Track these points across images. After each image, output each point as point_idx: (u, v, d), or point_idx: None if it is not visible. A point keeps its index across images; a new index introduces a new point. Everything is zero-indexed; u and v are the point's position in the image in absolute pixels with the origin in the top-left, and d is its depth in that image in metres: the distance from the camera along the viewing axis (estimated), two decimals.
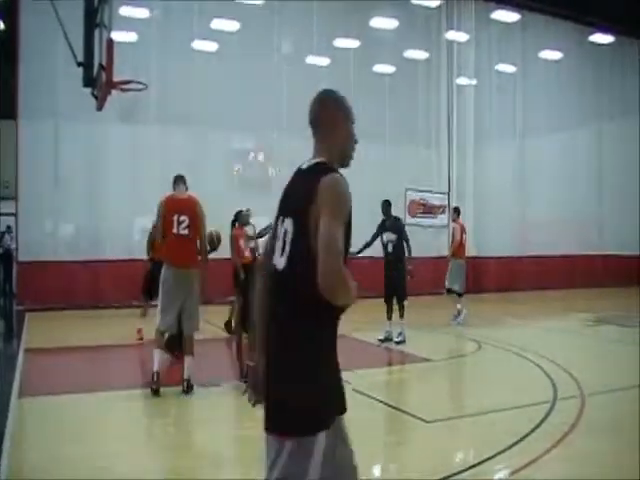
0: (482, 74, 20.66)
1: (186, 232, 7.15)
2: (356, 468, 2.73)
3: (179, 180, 7.50)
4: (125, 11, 14.91)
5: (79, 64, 9.29)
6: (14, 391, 7.09)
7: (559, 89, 21.62)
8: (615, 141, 22.57)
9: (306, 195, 2.50)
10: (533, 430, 5.66)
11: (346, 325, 10.12)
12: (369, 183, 18.12)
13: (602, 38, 22.15)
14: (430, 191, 19.62)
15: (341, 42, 18.82)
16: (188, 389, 7.08)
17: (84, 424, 6.06)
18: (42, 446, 5.36)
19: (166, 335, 7.37)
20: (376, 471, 5.28)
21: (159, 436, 5.99)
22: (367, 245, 10.72)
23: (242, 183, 17.54)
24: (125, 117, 15.51)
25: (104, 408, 6.64)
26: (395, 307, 10.63)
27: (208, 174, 16.59)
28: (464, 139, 20.16)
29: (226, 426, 6.38)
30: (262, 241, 9.57)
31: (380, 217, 10.94)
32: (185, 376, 7.12)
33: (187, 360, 7.21)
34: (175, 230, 7.13)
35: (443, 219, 19.47)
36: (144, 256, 10.34)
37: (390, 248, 10.65)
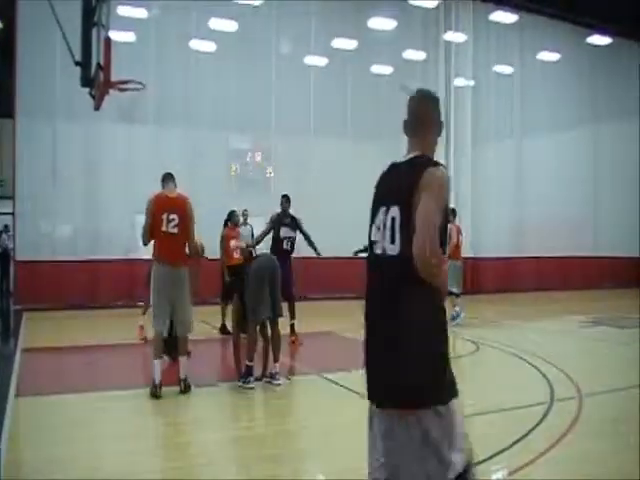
0: (480, 75, 20.67)
1: (175, 230, 7.11)
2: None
3: (168, 178, 7.47)
4: (123, 11, 14.89)
5: (77, 63, 9.29)
6: (11, 391, 7.09)
7: (556, 90, 21.63)
8: (612, 142, 22.59)
9: (412, 184, 2.68)
10: (531, 431, 5.66)
11: (344, 325, 10.16)
12: (366, 183, 18.16)
13: (599, 39, 22.15)
14: None
15: (339, 42, 18.82)
16: (185, 389, 7.08)
17: (81, 424, 6.05)
18: (39, 446, 5.35)
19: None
20: None
21: (156, 436, 5.98)
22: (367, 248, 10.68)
23: (239, 183, 17.54)
24: (123, 117, 15.50)
25: (102, 408, 6.63)
26: None
27: (206, 174, 16.61)
28: (462, 140, 20.14)
29: (223, 426, 6.38)
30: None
31: None
32: (182, 376, 7.12)
33: (182, 360, 7.22)
34: (164, 228, 7.09)
35: None
36: (143, 255, 10.31)
37: None
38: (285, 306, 8.78)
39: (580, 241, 21.57)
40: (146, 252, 10.17)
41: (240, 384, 7.36)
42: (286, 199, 8.60)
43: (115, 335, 11.15)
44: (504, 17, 20.42)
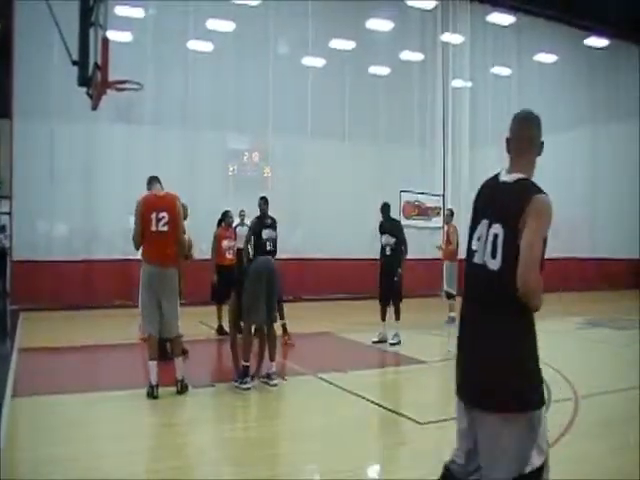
0: (477, 76, 20.70)
1: (166, 228, 7.07)
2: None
3: (153, 180, 7.46)
4: (120, 11, 14.86)
5: (74, 63, 9.28)
6: (8, 391, 7.07)
7: (554, 92, 21.64)
8: (610, 143, 22.61)
9: (519, 209, 2.87)
10: None
11: (341, 326, 10.16)
12: (364, 184, 18.17)
13: (597, 41, 22.18)
14: (425, 193, 19.66)
15: (336, 43, 18.84)
16: (182, 389, 7.08)
17: (78, 424, 6.05)
18: (36, 446, 5.35)
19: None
20: (368, 472, 5.29)
21: (153, 437, 5.98)
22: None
23: (237, 183, 17.54)
24: (120, 117, 15.49)
25: (98, 408, 6.63)
26: (390, 309, 10.63)
27: (203, 174, 16.63)
28: (459, 141, 20.19)
29: (220, 427, 6.38)
30: None
31: (374, 218, 10.95)
32: (178, 377, 7.12)
33: (177, 361, 7.20)
34: (154, 228, 7.04)
35: (438, 221, 19.51)
36: (140, 255, 10.30)
37: (388, 251, 10.64)
38: None
39: (578, 243, 21.58)
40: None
41: (236, 384, 7.37)
42: (264, 201, 8.67)
43: (112, 335, 11.15)
44: (501, 19, 20.44)
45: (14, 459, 5.10)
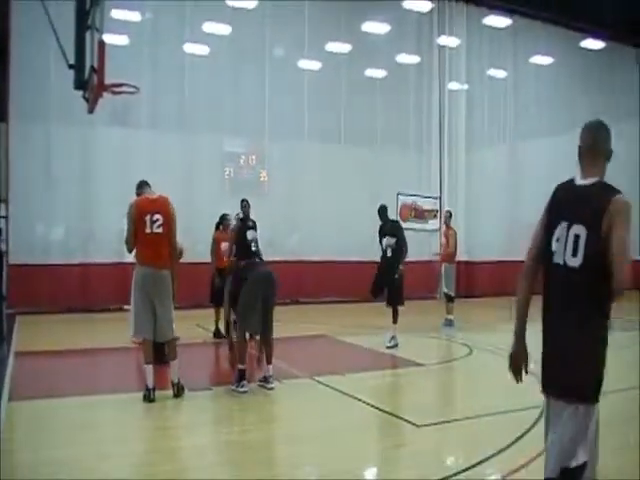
0: (473, 79, 20.74)
1: (160, 230, 7.08)
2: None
3: (144, 184, 7.50)
4: (117, 14, 14.88)
5: (70, 66, 9.27)
6: (4, 394, 7.05)
7: (550, 94, 21.71)
8: None
9: (599, 208, 3.07)
10: (524, 434, 5.68)
11: (338, 328, 10.14)
12: (360, 187, 18.18)
13: (593, 43, 22.23)
14: (422, 195, 19.66)
15: (333, 46, 18.86)
16: (179, 392, 7.06)
17: (75, 427, 6.03)
18: (32, 449, 5.34)
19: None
20: (366, 474, 5.28)
21: (150, 440, 5.96)
22: None
23: (233, 187, 17.53)
24: (116, 120, 15.49)
25: (95, 411, 6.62)
26: (387, 310, 10.62)
27: (199, 177, 16.64)
28: (455, 143, 20.22)
29: (216, 430, 6.37)
30: None
31: (371, 221, 10.95)
32: (174, 380, 7.10)
33: (173, 364, 7.19)
34: (149, 230, 7.05)
35: (434, 224, 19.50)
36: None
37: (390, 252, 10.63)
38: None
39: None
40: None
41: (233, 388, 7.36)
42: (246, 203, 8.72)
43: (109, 338, 11.13)
44: (497, 21, 20.48)
45: (10, 462, 5.08)
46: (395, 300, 10.56)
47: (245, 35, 17.21)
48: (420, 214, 19.70)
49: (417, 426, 6.06)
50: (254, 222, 8.59)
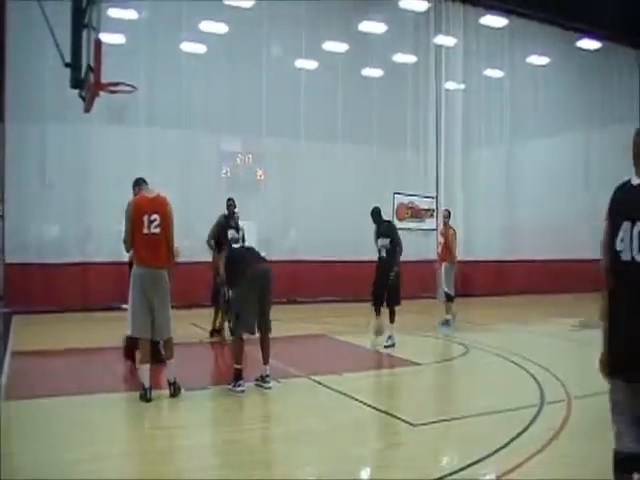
0: (470, 78, 20.73)
1: (158, 230, 7.06)
2: None
3: (141, 182, 7.47)
4: (113, 13, 14.84)
5: (67, 65, 9.26)
6: (0, 394, 7.04)
7: (546, 94, 21.73)
8: (603, 145, 22.66)
9: None
10: (520, 433, 5.69)
11: (335, 328, 10.12)
12: (357, 186, 18.18)
13: (589, 44, 22.23)
14: (418, 195, 19.69)
15: (330, 45, 18.83)
16: (175, 392, 7.05)
17: (71, 427, 6.03)
18: (29, 449, 5.33)
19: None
20: (362, 474, 5.29)
21: (147, 439, 5.96)
22: None
23: (230, 186, 17.52)
24: (113, 119, 15.44)
25: (91, 411, 6.59)
26: (385, 310, 10.61)
27: (196, 176, 16.62)
28: (452, 143, 20.19)
29: (213, 430, 6.37)
30: None
31: (368, 220, 10.94)
32: (171, 379, 7.09)
33: (170, 363, 7.18)
34: (146, 230, 7.03)
35: (431, 223, 19.54)
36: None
37: (384, 253, 10.63)
38: None
39: (572, 245, 21.58)
40: None
41: (230, 387, 7.35)
42: (232, 202, 8.72)
43: (105, 338, 11.09)
44: (494, 21, 20.48)
45: (7, 462, 5.07)
46: (392, 300, 10.56)
47: (242, 34, 17.17)
48: (417, 213, 19.75)
49: (413, 425, 6.06)
50: (237, 223, 8.58)
